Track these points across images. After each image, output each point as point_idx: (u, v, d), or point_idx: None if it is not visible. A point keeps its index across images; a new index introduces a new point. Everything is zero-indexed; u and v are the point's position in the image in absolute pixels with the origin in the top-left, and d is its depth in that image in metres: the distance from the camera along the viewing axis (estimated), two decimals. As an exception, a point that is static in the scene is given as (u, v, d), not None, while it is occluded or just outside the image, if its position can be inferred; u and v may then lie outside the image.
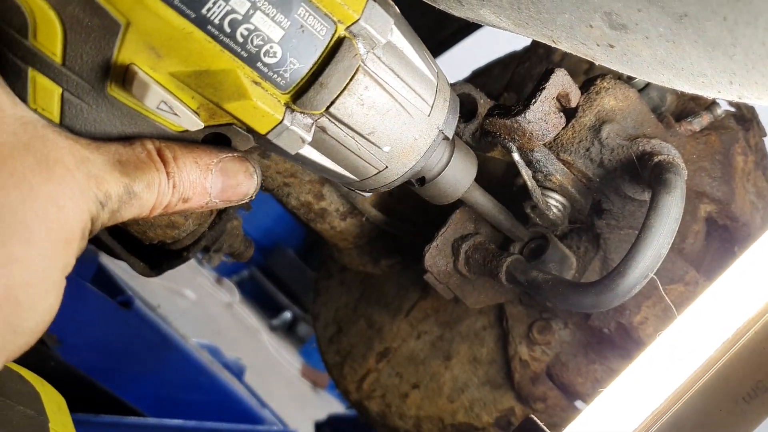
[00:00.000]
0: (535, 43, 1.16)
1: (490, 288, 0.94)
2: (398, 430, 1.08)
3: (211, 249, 0.97)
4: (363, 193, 0.67)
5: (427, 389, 1.07)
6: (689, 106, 0.93)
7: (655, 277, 0.66)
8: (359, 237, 1.06)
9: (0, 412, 0.68)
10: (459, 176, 0.68)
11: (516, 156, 0.78)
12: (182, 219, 0.90)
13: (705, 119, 0.88)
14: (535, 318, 0.98)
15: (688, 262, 0.89)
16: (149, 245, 0.94)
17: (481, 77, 1.28)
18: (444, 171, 0.66)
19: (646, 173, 0.75)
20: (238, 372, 1.83)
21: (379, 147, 0.58)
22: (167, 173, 0.51)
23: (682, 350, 0.52)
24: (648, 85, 0.89)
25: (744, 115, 0.97)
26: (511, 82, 1.15)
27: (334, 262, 1.36)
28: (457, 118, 0.65)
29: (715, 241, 0.94)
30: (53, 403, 0.80)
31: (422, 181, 0.67)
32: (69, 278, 1.29)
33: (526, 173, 0.79)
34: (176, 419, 1.36)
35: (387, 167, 0.60)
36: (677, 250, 0.88)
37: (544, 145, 0.80)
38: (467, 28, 1.63)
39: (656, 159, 0.74)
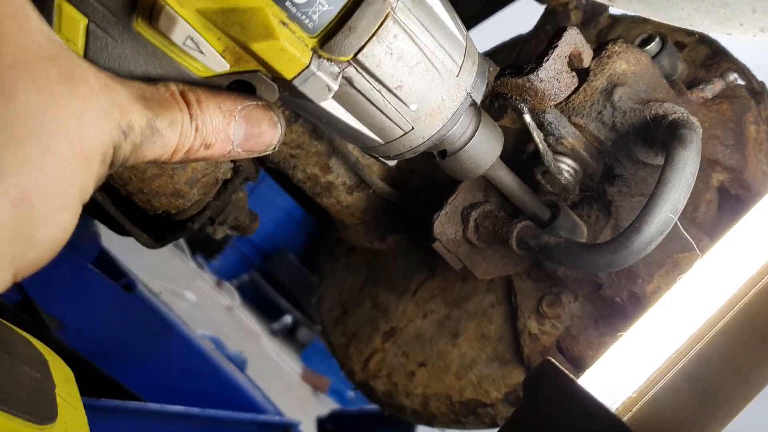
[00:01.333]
0: (542, 21, 1.16)
1: (499, 259, 0.93)
2: (405, 409, 1.06)
3: (215, 220, 0.96)
4: (387, 161, 0.65)
5: (434, 367, 1.06)
6: (700, 75, 0.92)
7: (677, 220, 0.65)
8: (366, 212, 1.04)
9: (5, 369, 0.66)
10: (483, 151, 0.67)
11: (527, 118, 0.77)
12: (187, 188, 0.89)
13: (717, 86, 0.87)
14: (544, 292, 0.97)
15: (701, 231, 0.88)
16: (153, 216, 0.92)
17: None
18: (469, 143, 0.65)
19: (660, 132, 0.74)
20: (240, 364, 1.82)
21: (406, 104, 0.57)
22: (190, 115, 0.50)
23: (707, 289, 0.51)
24: (659, 53, 0.88)
25: (754, 88, 0.96)
26: (519, 60, 1.14)
27: (339, 245, 1.35)
28: (485, 85, 0.64)
29: (726, 212, 0.93)
30: (61, 372, 0.78)
31: (444, 153, 0.66)
32: (71, 259, 1.28)
33: (537, 136, 0.78)
34: (178, 406, 1.34)
35: (413, 128, 0.59)
36: (690, 218, 0.87)
37: (556, 107, 0.79)
38: (472, 18, 1.63)
39: (671, 117, 0.73)
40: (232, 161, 0.93)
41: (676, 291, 0.54)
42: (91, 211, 1.03)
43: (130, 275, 1.33)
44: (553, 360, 0.49)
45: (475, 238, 0.87)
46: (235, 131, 0.54)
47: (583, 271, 0.78)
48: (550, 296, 0.95)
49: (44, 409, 0.66)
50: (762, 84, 0.97)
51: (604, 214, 0.88)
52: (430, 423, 1.06)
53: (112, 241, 1.51)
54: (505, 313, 1.04)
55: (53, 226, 0.42)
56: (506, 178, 0.79)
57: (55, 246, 0.43)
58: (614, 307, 0.90)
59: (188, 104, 0.51)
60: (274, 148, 0.59)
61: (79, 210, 0.43)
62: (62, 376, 0.78)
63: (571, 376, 0.48)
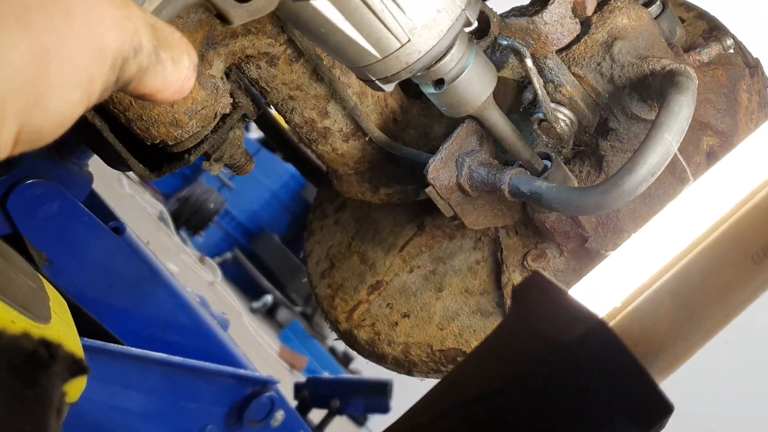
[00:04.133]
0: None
1: (489, 210, 0.94)
2: (386, 357, 1.08)
3: (211, 156, 0.97)
4: (384, 86, 0.66)
5: (417, 318, 1.07)
6: (698, 41, 0.94)
7: (677, 152, 0.67)
8: (360, 162, 1.06)
9: (3, 272, 0.67)
10: (478, 82, 0.69)
11: (529, 62, 0.78)
12: (186, 118, 0.90)
13: (713, 50, 0.89)
14: (530, 248, 0.98)
15: (688, 192, 0.89)
16: (151, 146, 0.93)
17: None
18: (463, 73, 0.67)
19: (657, 81, 0.76)
20: (222, 324, 1.82)
21: (402, 10, 0.58)
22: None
23: (696, 209, 0.53)
24: (659, 15, 0.90)
25: (749, 62, 0.98)
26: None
27: (329, 203, 1.36)
28: (479, 9, 0.65)
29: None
30: (55, 297, 0.79)
31: (441, 83, 0.68)
32: (61, 195, 1.27)
33: (537, 81, 0.79)
34: (160, 353, 1.34)
35: (410, 40, 0.60)
36: (679, 178, 0.89)
37: (557, 54, 0.81)
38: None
39: (668, 67, 0.75)
40: (232, 96, 0.94)
41: (666, 211, 0.56)
42: (87, 140, 1.04)
43: (120, 218, 1.33)
44: (542, 271, 0.51)
45: (468, 186, 0.88)
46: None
47: (573, 212, 0.80)
48: (535, 251, 0.97)
49: (40, 311, 0.67)
50: (757, 60, 1.00)
51: (595, 170, 0.89)
52: (409, 372, 1.07)
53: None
54: (490, 269, 1.06)
55: (62, 98, 0.42)
56: (501, 122, 0.80)
57: (60, 122, 0.43)
58: (598, 262, 0.91)
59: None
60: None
61: (85, 100, 0.44)
62: (56, 299, 0.79)
63: (560, 285, 0.50)
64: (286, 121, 1.02)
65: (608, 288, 0.53)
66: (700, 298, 0.50)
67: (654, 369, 0.48)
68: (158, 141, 0.91)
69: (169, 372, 1.37)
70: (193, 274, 4.14)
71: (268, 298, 4.59)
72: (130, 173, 4.51)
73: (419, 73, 0.66)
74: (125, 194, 4.17)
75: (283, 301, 4.69)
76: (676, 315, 0.50)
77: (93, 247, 1.28)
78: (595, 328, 0.47)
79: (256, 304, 4.54)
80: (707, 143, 0.90)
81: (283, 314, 4.66)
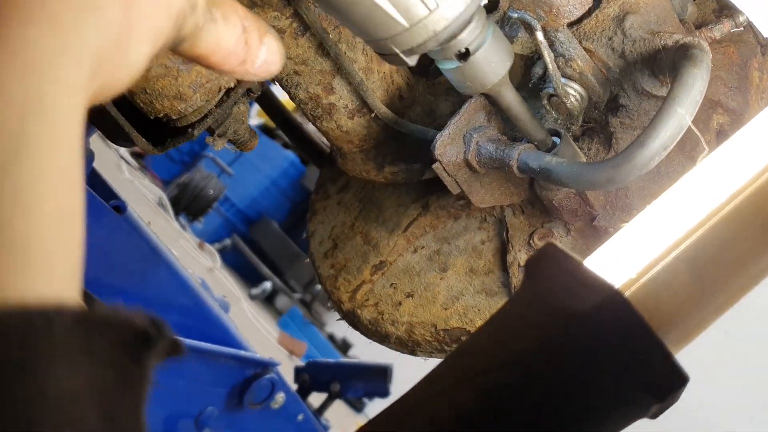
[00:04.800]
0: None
1: (497, 187, 0.93)
2: (389, 336, 1.07)
3: (215, 131, 0.96)
4: (407, 59, 0.65)
5: (421, 298, 1.06)
6: (709, 18, 0.93)
7: (692, 125, 0.66)
8: (365, 140, 1.04)
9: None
10: (497, 56, 0.68)
11: (540, 35, 0.77)
12: (190, 91, 0.89)
13: (726, 26, 0.88)
14: (536, 227, 0.98)
15: (698, 171, 0.88)
16: (154, 120, 0.92)
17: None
18: (484, 45, 0.66)
19: (669, 56, 0.75)
20: (223, 307, 1.81)
21: None
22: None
23: (714, 180, 0.52)
24: (671, -9, 0.88)
25: (761, 41, 0.97)
26: None
27: (332, 184, 1.35)
28: None
29: (723, 159, 0.94)
30: None
31: (465, 54, 0.67)
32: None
33: (548, 55, 0.78)
34: (160, 333, 1.33)
35: (438, 6, 0.59)
36: (689, 156, 0.88)
37: (568, 28, 0.79)
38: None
39: (682, 41, 0.74)
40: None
41: (682, 182, 0.55)
42: (89, 113, 1.02)
43: (121, 197, 1.32)
44: (556, 242, 0.50)
45: (476, 162, 0.87)
46: (261, 55, 0.53)
47: (583, 188, 0.79)
48: (542, 230, 0.96)
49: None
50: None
51: (604, 147, 0.88)
52: (413, 351, 1.06)
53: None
54: (495, 249, 1.05)
55: (139, 50, 0.42)
56: (512, 97, 0.79)
57: (132, 75, 0.42)
58: (605, 240, 0.90)
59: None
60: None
61: (151, 55, 0.43)
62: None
63: (574, 255, 0.49)
64: (291, 97, 1.01)
65: (623, 260, 0.52)
66: (717, 270, 0.49)
67: (669, 340, 0.47)
68: (162, 115, 0.90)
69: (170, 352, 1.36)
70: (192, 259, 4.13)
71: (267, 285, 4.58)
72: (130, 158, 4.50)
73: (440, 47, 0.65)
74: (124, 179, 4.15)
75: (282, 288, 4.68)
76: (692, 286, 0.49)
77: (92, 225, 1.25)
78: (611, 297, 0.46)
79: (255, 291, 4.53)
80: (717, 121, 0.89)
81: (282, 301, 4.65)
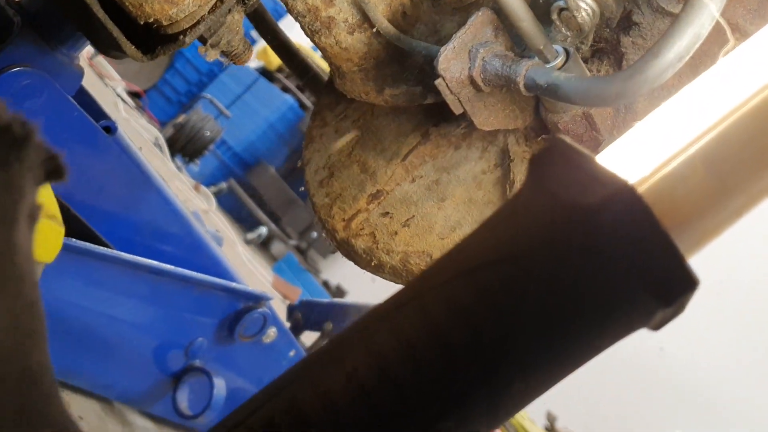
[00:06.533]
0: None
1: (501, 109, 0.89)
2: (384, 266, 1.04)
3: (208, 41, 0.91)
4: None
5: (418, 227, 1.03)
6: (732, -63, 0.88)
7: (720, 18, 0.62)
8: (365, 58, 1.00)
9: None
10: None
11: (552, -60, 0.72)
12: (182, -5, 0.84)
13: (750, -56, 0.83)
14: (540, 155, 0.94)
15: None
16: (144, 26, 0.87)
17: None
18: None
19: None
20: (216, 241, 1.78)
21: None
22: None
23: (733, 77, 0.48)
24: None
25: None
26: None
27: (330, 111, 1.31)
28: None
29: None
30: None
31: None
32: (49, 86, 1.20)
33: (560, -38, 0.74)
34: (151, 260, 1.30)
35: None
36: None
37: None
38: None
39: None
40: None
41: (704, 76, 0.51)
42: (75, 18, 0.98)
43: (111, 117, 1.28)
44: (564, 137, 0.46)
45: (481, 79, 0.83)
46: None
47: (592, 103, 0.75)
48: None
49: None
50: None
51: (614, 69, 0.85)
52: (407, 281, 1.04)
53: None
54: (496, 180, 1.02)
55: None
56: (520, 7, 0.75)
57: None
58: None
59: None
60: None
61: None
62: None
63: (585, 150, 0.45)
64: (288, 10, 0.96)
65: (637, 157, 0.49)
66: (737, 169, 0.46)
67: (681, 241, 0.44)
68: (152, 20, 0.86)
69: (160, 281, 1.34)
70: (187, 201, 4.10)
71: (263, 230, 4.56)
72: (127, 97, 4.43)
73: None
74: (120, 118, 4.09)
75: (278, 233, 4.66)
76: (709, 185, 0.46)
77: (81, 146, 1.22)
78: (621, 191, 0.43)
79: (250, 236, 4.52)
80: (733, 46, 0.85)
81: (277, 247, 4.64)
